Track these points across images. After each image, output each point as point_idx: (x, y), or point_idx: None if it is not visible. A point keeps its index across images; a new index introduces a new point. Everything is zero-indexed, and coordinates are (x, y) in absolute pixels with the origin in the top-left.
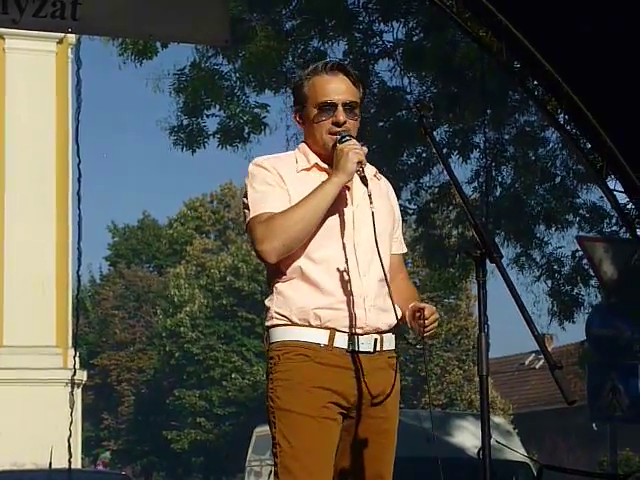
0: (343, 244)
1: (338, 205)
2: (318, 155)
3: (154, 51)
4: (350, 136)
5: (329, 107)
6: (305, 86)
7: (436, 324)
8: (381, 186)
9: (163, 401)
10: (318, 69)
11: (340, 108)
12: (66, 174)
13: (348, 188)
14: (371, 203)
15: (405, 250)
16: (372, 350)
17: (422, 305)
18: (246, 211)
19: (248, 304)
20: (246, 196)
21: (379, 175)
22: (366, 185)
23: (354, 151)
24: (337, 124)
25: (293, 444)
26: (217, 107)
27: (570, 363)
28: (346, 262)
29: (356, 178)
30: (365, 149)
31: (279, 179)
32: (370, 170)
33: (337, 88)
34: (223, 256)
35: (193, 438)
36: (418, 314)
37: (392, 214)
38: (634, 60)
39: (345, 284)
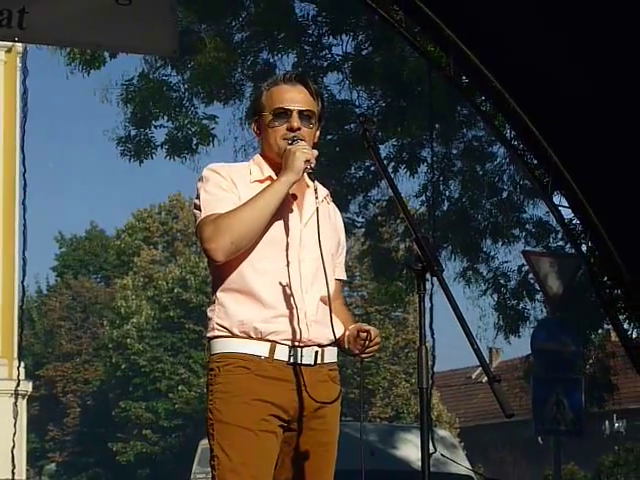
0: (288, 258)
1: (287, 219)
2: (273, 166)
3: (102, 61)
4: (302, 139)
5: (284, 113)
6: (263, 96)
7: (377, 347)
8: (329, 210)
9: (109, 413)
10: (277, 80)
11: (295, 115)
12: (12, 183)
13: (299, 205)
14: (317, 198)
15: (345, 277)
16: (313, 363)
17: (368, 327)
18: (197, 212)
19: (195, 316)
20: (198, 198)
21: (329, 199)
22: (312, 180)
23: (302, 150)
24: (291, 129)
25: (231, 457)
26: (165, 118)
27: (516, 377)
28: (289, 276)
29: (307, 197)
30: (315, 152)
31: (232, 186)
32: (322, 192)
33: (294, 97)
34: (171, 268)
35: (139, 450)
36: (364, 334)
37: (337, 238)
38: (581, 74)
39: (287, 298)
